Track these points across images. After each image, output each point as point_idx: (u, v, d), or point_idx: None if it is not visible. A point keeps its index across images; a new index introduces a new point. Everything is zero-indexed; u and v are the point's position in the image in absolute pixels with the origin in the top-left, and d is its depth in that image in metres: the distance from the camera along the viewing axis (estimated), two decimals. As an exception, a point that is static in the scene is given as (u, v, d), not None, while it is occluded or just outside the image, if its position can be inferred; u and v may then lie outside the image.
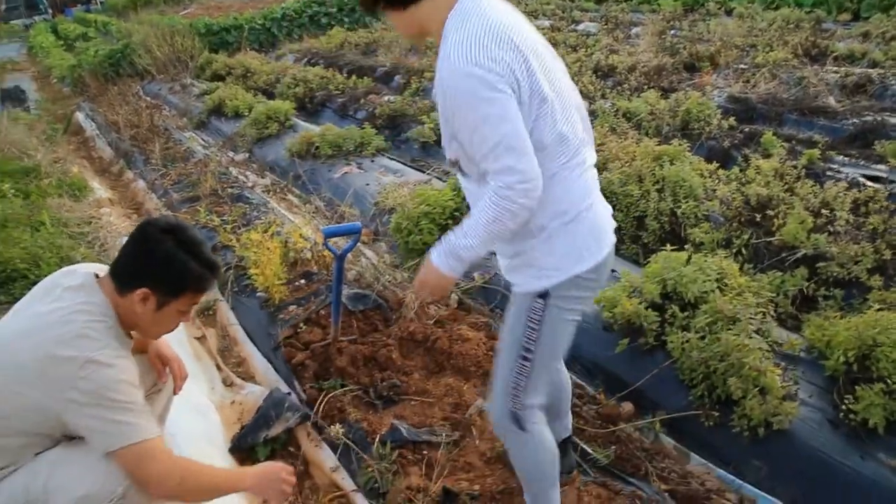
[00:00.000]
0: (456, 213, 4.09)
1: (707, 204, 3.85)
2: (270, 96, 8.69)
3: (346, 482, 2.52)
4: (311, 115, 8.03)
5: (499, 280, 3.55)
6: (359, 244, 3.73)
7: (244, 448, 2.77)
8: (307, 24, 14.76)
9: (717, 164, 4.35)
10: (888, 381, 2.36)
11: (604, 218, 1.81)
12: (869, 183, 4.24)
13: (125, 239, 2.04)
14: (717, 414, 2.53)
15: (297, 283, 3.71)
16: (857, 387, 2.41)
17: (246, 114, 7.64)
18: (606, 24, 11.00)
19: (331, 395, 2.83)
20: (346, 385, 2.89)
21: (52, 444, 1.93)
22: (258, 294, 3.66)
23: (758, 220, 3.59)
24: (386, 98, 7.59)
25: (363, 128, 6.28)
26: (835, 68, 6.92)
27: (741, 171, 4.21)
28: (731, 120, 5.34)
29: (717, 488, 2.39)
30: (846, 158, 4.80)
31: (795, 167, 4.13)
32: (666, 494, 2.37)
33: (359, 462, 2.52)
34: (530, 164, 1.59)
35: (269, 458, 2.72)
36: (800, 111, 5.79)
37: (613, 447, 2.56)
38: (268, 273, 3.52)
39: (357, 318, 3.30)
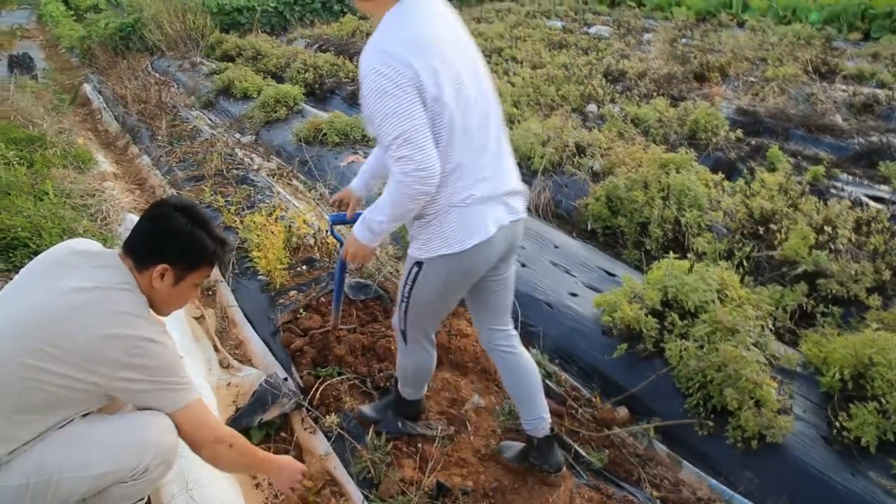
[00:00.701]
0: (461, 208, 4.10)
1: (711, 214, 3.87)
2: (280, 80, 8.66)
3: (339, 471, 2.53)
4: (319, 102, 8.01)
5: (500, 278, 3.56)
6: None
7: (239, 430, 2.77)
8: (320, 10, 14.72)
9: (723, 175, 4.36)
10: (882, 400, 2.38)
11: (485, 217, 2.01)
12: (872, 203, 4.27)
13: (129, 215, 2.07)
14: (711, 424, 2.55)
15: (298, 269, 3.71)
16: (851, 404, 2.43)
17: (255, 96, 7.62)
18: (618, 29, 11.00)
19: (327, 382, 2.84)
20: (343, 374, 2.90)
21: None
22: (259, 277, 3.66)
23: (760, 233, 3.61)
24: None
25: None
26: (843, 87, 6.94)
27: (746, 183, 4.23)
28: (739, 132, 5.36)
29: (708, 498, 2.41)
30: (850, 177, 4.83)
31: (800, 183, 4.15)
32: (658, 501, 2.39)
33: (352, 451, 2.53)
34: (427, 156, 1.82)
35: (262, 442, 2.74)
36: (807, 127, 5.81)
37: (607, 451, 2.58)
38: (270, 257, 3.53)
39: (357, 308, 3.31)
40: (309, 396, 2.82)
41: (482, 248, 2.00)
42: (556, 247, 3.86)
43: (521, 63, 8.19)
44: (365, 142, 5.88)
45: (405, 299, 2.16)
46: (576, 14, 12.76)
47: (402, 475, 2.37)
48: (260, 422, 2.76)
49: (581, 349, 3.09)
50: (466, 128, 1.93)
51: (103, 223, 4.64)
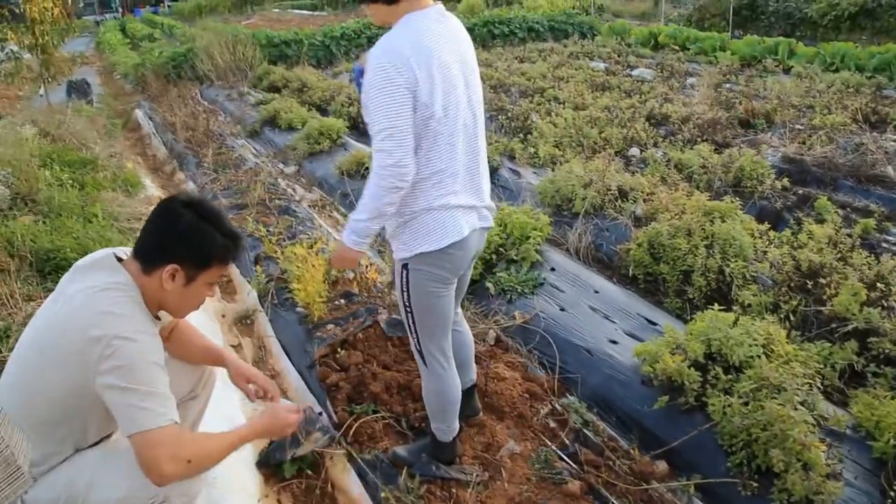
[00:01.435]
0: (501, 248, 4.09)
1: (756, 265, 3.78)
2: (324, 112, 8.83)
3: (371, 511, 2.50)
4: (362, 135, 8.11)
5: (538, 321, 3.53)
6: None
7: (271, 464, 2.77)
8: (365, 45, 15.02)
9: (769, 225, 4.28)
10: (940, 471, 2.27)
11: (458, 220, 2.19)
12: (926, 259, 4.12)
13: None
14: (755, 484, 2.45)
15: (336, 302, 3.73)
16: (906, 473, 2.32)
17: (299, 127, 7.77)
18: (662, 72, 10.99)
19: (362, 419, 2.82)
20: (378, 411, 2.88)
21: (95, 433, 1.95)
22: (298, 309, 3.68)
23: (808, 287, 3.52)
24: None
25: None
26: (894, 137, 6.79)
27: (793, 234, 4.14)
28: (785, 181, 5.27)
29: (750, 562, 2.31)
30: (903, 231, 4.69)
31: (850, 236, 4.04)
32: (696, 563, 2.31)
33: (385, 493, 2.50)
34: (404, 154, 2.00)
35: (295, 477, 2.72)
36: (856, 178, 5.68)
37: (644, 506, 2.50)
38: (310, 289, 3.55)
39: (394, 344, 3.30)
40: (341, 432, 2.81)
41: (457, 247, 2.20)
42: (597, 291, 3.81)
43: (564, 104, 8.23)
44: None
45: (408, 309, 2.30)
46: (619, 56, 12.80)
47: (434, 520, 2.33)
48: (293, 456, 2.75)
49: (620, 398, 3.02)
50: (451, 141, 2.12)
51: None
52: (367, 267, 4.01)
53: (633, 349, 3.15)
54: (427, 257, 2.18)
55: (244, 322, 4.04)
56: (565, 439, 2.84)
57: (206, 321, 3.85)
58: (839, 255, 3.74)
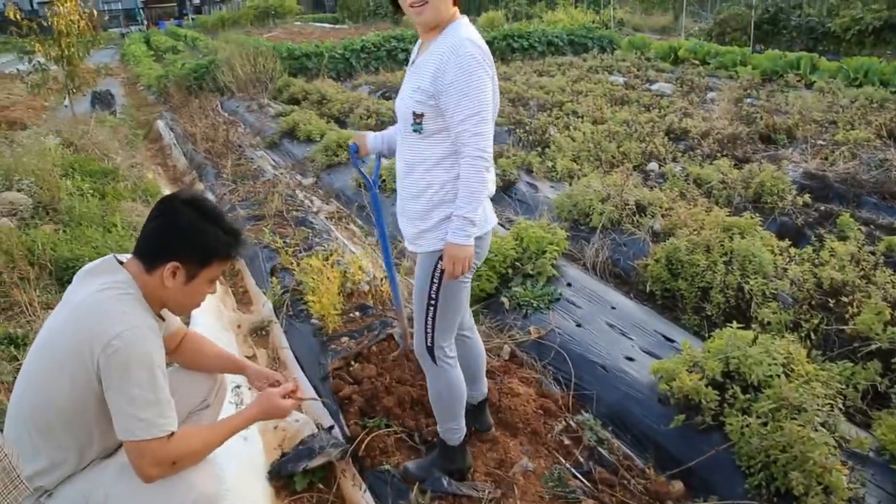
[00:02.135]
0: (517, 262, 4.07)
1: (777, 282, 3.72)
2: (343, 125, 8.89)
3: (381, 526, 2.47)
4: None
5: (554, 336, 3.50)
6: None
7: (283, 475, 2.75)
8: (384, 57, 15.15)
9: (789, 242, 4.21)
10: (966, 498, 2.20)
11: (490, 209, 2.39)
12: (952, 279, 4.03)
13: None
14: (774, 508, 2.40)
15: (351, 315, 3.72)
16: (931, 500, 2.26)
17: (318, 139, 7.82)
18: (681, 87, 10.93)
19: (375, 433, 2.80)
20: (390, 426, 2.86)
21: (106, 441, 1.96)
22: (312, 321, 3.68)
23: (830, 305, 3.45)
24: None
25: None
26: (920, 154, 6.68)
27: (815, 251, 4.07)
28: (806, 197, 5.19)
29: (768, 588, 2.26)
30: (928, 249, 4.59)
31: (873, 253, 3.96)
32: (713, 587, 2.25)
33: (396, 507, 2.47)
34: (491, 138, 2.14)
35: (306, 490, 2.70)
36: (880, 194, 5.59)
37: (660, 528, 2.45)
38: (325, 302, 3.55)
39: (409, 359, 3.28)
40: (353, 446, 2.79)
41: (489, 234, 2.37)
42: (613, 307, 3.77)
43: (582, 118, 8.21)
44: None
45: (432, 302, 2.30)
46: (638, 70, 12.77)
47: (445, 538, 2.30)
48: (305, 469, 2.73)
49: (635, 416, 2.98)
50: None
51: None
52: (381, 280, 4.00)
53: (650, 366, 3.10)
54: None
55: (259, 333, 4.05)
56: (579, 457, 2.80)
57: (220, 332, 3.86)
58: (862, 273, 3.67)
